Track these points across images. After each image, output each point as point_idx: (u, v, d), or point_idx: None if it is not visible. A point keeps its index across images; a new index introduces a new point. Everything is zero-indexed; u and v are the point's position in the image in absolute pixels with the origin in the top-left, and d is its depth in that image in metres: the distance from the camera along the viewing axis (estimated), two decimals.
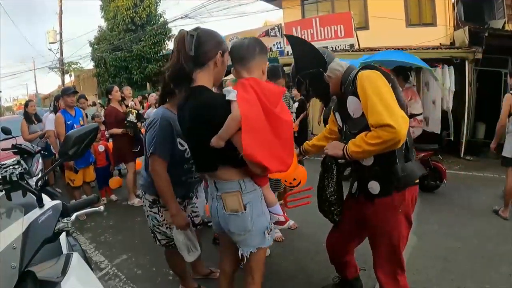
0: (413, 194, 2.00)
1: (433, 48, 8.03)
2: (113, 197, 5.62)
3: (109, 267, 3.43)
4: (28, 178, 3.76)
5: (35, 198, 1.41)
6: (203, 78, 1.69)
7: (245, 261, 1.83)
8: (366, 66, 1.94)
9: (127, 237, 4.10)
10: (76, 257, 1.38)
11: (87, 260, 2.20)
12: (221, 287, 2.13)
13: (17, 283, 1.07)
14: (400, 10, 9.87)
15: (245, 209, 1.72)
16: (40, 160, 4.64)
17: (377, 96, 1.70)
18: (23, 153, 4.10)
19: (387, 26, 9.55)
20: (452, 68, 7.37)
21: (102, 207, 1.65)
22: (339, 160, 2.15)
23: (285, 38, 10.77)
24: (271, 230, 1.85)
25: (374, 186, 1.98)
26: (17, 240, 1.15)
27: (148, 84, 18.77)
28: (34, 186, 1.48)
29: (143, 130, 5.40)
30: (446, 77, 7.36)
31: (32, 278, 1.16)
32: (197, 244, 2.33)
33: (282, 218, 1.98)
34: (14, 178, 1.40)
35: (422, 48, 8.08)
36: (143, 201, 2.46)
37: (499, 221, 3.97)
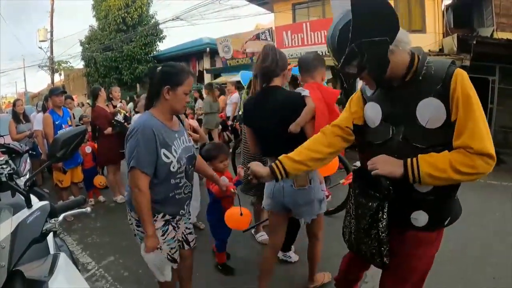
0: None
1: None
2: (101, 198, 5.56)
3: (96, 268, 3.40)
4: (16, 178, 3.74)
5: (23, 198, 1.42)
6: (278, 83, 2.34)
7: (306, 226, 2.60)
8: (455, 62, 1.47)
9: (115, 239, 4.05)
10: (63, 257, 1.39)
11: (74, 261, 2.20)
12: (266, 258, 2.62)
13: (5, 282, 1.08)
14: None
15: (310, 184, 2.29)
16: (28, 160, 4.61)
17: (482, 115, 1.35)
18: (11, 153, 4.07)
19: None
20: None
21: (89, 209, 1.66)
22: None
23: (275, 42, 10.84)
24: (323, 199, 2.44)
25: (420, 218, 1.56)
26: (5, 240, 1.16)
27: (138, 85, 18.69)
28: (22, 187, 1.49)
29: None
30: None
31: (20, 277, 1.17)
32: (167, 260, 2.16)
33: (326, 193, 2.63)
34: (3, 179, 1.44)
35: None
36: (129, 219, 2.22)
37: (484, 225, 4.04)
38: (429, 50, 9.17)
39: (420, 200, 1.53)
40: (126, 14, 17.70)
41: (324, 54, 9.46)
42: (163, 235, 2.11)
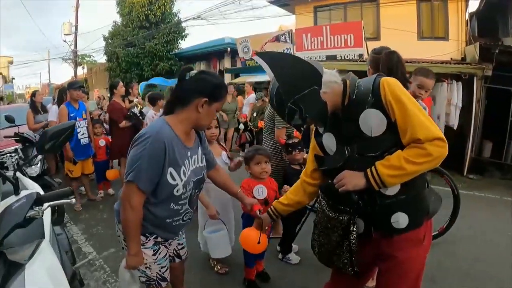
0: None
1: (442, 63, 7.99)
2: (110, 191, 5.70)
3: (96, 258, 3.49)
4: (28, 166, 3.86)
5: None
6: None
7: None
8: (380, 74, 1.61)
9: None
10: (44, 243, 1.45)
11: (71, 248, 2.26)
12: None
13: None
14: (413, 23, 9.83)
15: None
16: None
17: (416, 107, 1.46)
18: (25, 142, 4.19)
19: (399, 37, 9.50)
20: (460, 83, 7.32)
21: (74, 200, 1.68)
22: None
23: (294, 47, 10.79)
24: None
25: (401, 220, 1.58)
26: None
27: None
28: (12, 176, 1.56)
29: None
30: (453, 93, 7.33)
31: (2, 258, 1.25)
32: (138, 279, 1.98)
33: None
34: None
35: (431, 62, 8.04)
36: (117, 231, 2.05)
37: (492, 243, 3.91)
38: (451, 58, 8.95)
39: (393, 202, 1.57)
40: (149, 12, 17.91)
41: (343, 58, 9.46)
42: (154, 254, 1.93)
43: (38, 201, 1.45)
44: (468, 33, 9.28)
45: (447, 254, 3.55)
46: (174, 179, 1.76)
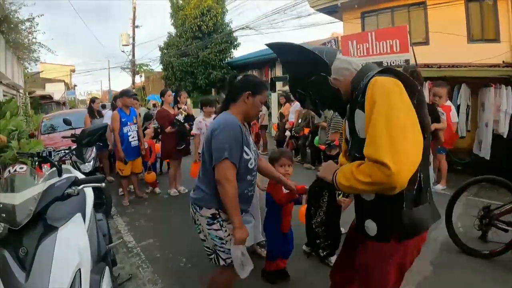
0: (418, 242, 1.58)
1: (490, 66, 7.64)
2: (157, 190, 6.13)
3: (135, 247, 3.88)
4: (81, 163, 4.46)
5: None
6: None
7: None
8: (385, 70, 1.48)
9: (158, 225, 4.55)
10: (78, 217, 1.82)
11: (109, 232, 2.63)
12: None
13: (33, 221, 1.55)
14: (462, 25, 9.48)
15: None
16: (94, 149, 5.31)
17: (385, 119, 1.28)
18: None
19: (448, 41, 9.25)
20: (509, 88, 6.98)
21: (103, 184, 2.01)
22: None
23: (341, 51, 10.80)
24: None
25: (370, 226, 1.57)
26: (38, 195, 1.62)
27: (213, 90, 19.53)
28: (56, 161, 1.95)
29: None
30: (502, 98, 6.99)
31: (42, 220, 1.62)
32: (250, 258, 2.13)
33: None
34: (44, 154, 1.92)
35: (478, 66, 7.74)
36: (197, 219, 2.22)
37: None
38: (503, 61, 8.53)
39: (368, 208, 1.58)
40: (201, 22, 18.64)
41: (389, 65, 9.31)
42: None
43: (76, 183, 1.83)
44: None
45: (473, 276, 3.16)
46: (247, 154, 2.17)
